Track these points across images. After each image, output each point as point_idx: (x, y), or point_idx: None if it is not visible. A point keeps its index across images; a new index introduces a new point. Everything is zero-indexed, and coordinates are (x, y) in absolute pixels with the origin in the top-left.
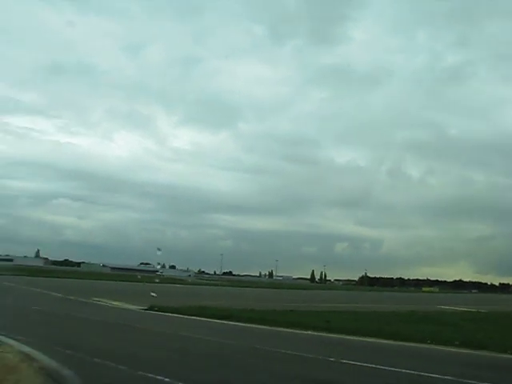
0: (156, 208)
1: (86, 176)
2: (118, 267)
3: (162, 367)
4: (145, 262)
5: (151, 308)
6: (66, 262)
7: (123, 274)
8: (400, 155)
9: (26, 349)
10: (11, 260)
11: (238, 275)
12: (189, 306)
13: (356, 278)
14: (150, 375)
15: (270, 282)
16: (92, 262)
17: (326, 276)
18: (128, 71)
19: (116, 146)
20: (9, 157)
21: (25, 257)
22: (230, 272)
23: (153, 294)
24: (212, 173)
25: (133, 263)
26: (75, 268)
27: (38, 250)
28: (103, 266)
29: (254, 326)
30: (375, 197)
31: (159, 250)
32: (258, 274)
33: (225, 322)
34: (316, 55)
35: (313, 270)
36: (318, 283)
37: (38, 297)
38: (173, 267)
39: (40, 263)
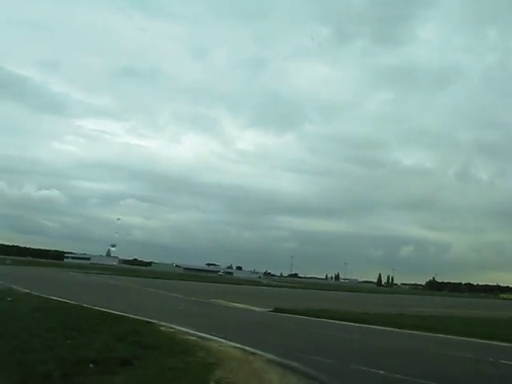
0: (221, 209)
1: (153, 177)
2: (189, 267)
3: (364, 363)
4: (211, 262)
5: (277, 310)
6: (136, 262)
7: (200, 275)
8: (468, 157)
9: (233, 344)
10: (88, 259)
11: (305, 277)
12: (310, 308)
13: (422, 282)
14: (364, 368)
15: (338, 285)
16: (160, 262)
17: (393, 280)
18: (194, 74)
19: (182, 148)
20: (81, 159)
21: (100, 255)
22: (296, 274)
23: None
24: (276, 174)
25: (199, 263)
26: (150, 268)
27: (109, 249)
28: (176, 266)
29: (388, 329)
30: (442, 199)
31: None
32: (323, 277)
33: (357, 324)
34: (381, 55)
35: (380, 274)
36: (385, 287)
37: (165, 298)
38: (239, 268)
39: (114, 262)
